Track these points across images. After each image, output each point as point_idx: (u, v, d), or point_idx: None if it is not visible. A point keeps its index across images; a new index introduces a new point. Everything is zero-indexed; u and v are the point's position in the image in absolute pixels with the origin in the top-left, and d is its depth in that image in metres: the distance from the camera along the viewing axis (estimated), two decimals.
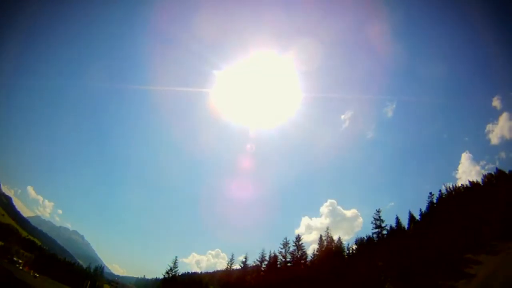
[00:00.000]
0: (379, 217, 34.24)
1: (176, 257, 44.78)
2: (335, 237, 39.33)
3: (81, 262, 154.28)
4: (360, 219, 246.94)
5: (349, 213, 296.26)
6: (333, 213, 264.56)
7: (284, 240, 38.22)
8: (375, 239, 36.01)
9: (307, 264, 36.09)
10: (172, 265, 43.86)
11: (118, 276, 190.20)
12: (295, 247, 37.38)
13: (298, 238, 38.23)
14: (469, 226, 31.40)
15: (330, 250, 35.84)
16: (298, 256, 36.41)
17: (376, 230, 34.45)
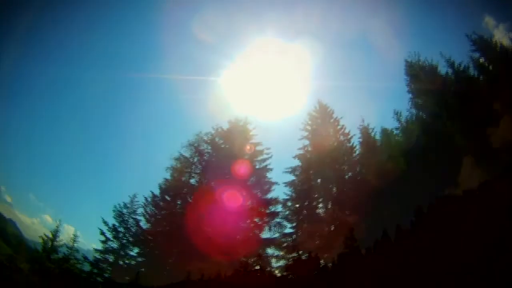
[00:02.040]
0: (352, 236, 31.17)
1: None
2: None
3: None
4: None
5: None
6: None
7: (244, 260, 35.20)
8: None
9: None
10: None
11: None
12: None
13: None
14: (460, 242, 28.28)
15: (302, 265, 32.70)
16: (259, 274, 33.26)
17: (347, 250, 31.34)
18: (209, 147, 20.69)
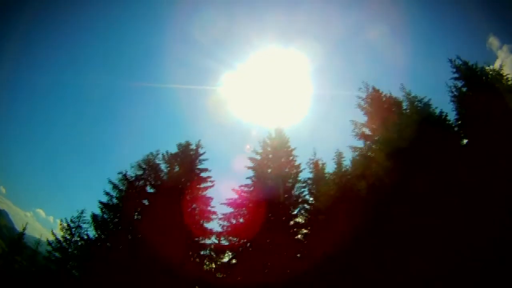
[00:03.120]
0: None
1: None
2: None
3: None
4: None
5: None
6: None
7: None
8: None
9: None
10: None
11: None
12: None
13: None
14: None
15: None
16: None
17: None
18: (150, 174, 20.33)
